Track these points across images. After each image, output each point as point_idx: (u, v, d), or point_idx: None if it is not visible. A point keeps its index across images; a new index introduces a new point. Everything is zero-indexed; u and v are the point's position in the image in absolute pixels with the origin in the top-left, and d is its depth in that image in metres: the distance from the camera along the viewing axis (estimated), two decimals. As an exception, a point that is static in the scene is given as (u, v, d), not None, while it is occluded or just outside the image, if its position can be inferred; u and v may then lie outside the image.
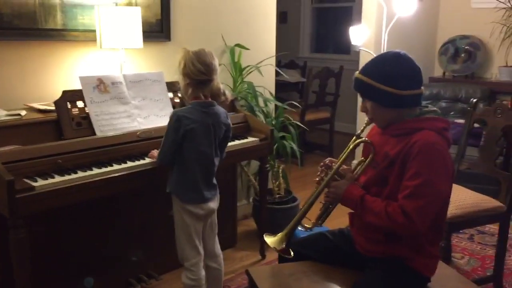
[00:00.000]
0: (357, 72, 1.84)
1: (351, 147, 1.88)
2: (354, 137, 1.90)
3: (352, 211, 1.87)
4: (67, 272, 2.43)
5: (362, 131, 1.90)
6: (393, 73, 1.73)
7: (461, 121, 3.76)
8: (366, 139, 1.87)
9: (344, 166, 1.92)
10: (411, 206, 1.63)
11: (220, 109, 2.22)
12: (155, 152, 2.31)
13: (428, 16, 5.24)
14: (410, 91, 1.74)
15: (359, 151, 1.99)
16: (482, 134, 2.81)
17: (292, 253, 1.87)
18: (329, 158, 1.97)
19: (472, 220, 2.57)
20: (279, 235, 1.89)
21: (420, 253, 1.77)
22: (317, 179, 1.92)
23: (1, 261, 2.17)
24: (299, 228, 1.91)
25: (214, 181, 2.26)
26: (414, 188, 1.64)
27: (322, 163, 1.96)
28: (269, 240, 1.90)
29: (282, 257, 2.04)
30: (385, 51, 3.82)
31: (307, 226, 1.94)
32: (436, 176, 1.66)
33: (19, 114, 2.27)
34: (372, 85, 1.75)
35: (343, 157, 1.89)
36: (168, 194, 2.23)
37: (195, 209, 2.19)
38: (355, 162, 1.95)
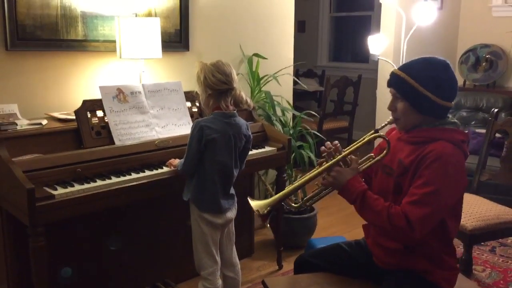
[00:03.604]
0: (396, 68, 1.78)
1: (366, 139, 1.80)
2: (372, 131, 1.82)
3: (360, 216, 1.79)
4: (85, 279, 2.45)
5: (383, 127, 1.82)
6: (443, 82, 1.71)
7: (482, 131, 3.70)
8: (384, 135, 1.81)
9: (352, 156, 1.82)
10: (415, 213, 1.61)
11: (241, 120, 2.22)
12: (173, 161, 2.33)
13: (448, 25, 5.19)
14: (447, 103, 1.73)
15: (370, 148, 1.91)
16: (503, 144, 2.76)
17: (268, 224, 1.80)
18: (339, 144, 1.83)
19: (494, 232, 2.53)
20: (265, 200, 1.80)
21: (438, 265, 1.74)
22: (321, 159, 1.83)
23: (18, 267, 2.20)
24: (284, 204, 1.79)
25: (232, 190, 2.27)
26: (421, 196, 1.62)
27: (329, 143, 1.81)
28: (254, 203, 1.81)
29: (298, 269, 2.03)
30: (404, 60, 3.81)
31: (294, 205, 1.88)
32: (446, 188, 1.63)
33: (40, 123, 2.31)
34: (416, 88, 1.70)
35: (355, 146, 1.80)
36: (186, 203, 2.23)
37: (213, 218, 2.19)
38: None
